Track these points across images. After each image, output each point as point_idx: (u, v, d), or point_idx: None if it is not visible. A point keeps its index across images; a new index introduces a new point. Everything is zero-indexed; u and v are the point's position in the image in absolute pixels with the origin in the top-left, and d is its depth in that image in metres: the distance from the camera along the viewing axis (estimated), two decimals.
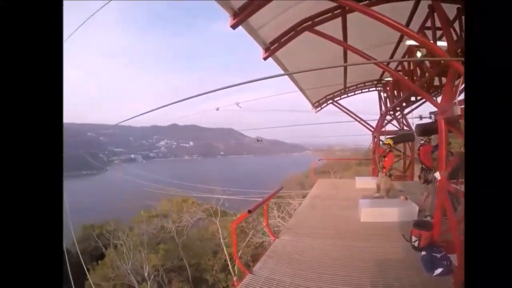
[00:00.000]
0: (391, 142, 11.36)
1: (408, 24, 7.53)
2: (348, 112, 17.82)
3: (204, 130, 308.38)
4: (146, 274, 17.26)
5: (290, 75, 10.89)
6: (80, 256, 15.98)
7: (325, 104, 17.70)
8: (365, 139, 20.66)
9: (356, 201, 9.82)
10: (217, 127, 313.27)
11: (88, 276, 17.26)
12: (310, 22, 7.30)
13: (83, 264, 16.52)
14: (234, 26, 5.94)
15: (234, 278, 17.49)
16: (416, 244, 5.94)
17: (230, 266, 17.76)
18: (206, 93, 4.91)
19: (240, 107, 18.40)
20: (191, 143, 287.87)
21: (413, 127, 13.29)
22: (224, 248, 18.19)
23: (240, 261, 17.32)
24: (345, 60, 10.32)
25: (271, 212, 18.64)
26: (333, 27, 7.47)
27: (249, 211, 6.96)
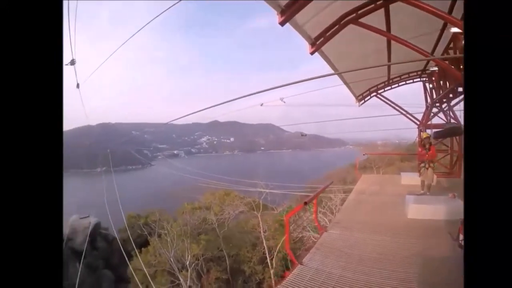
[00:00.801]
0: (428, 135, 10.97)
1: (450, 11, 7.22)
2: (393, 105, 17.21)
3: (245, 126, 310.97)
4: (187, 262, 17.90)
5: (334, 68, 10.69)
6: (120, 244, 16.69)
7: (369, 97, 17.25)
8: (409, 133, 19.81)
9: (402, 197, 9.67)
10: (257, 122, 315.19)
11: (129, 263, 18.14)
12: (354, 15, 7.22)
13: (122, 250, 17.28)
14: (282, 23, 6.04)
15: (272, 271, 17.69)
16: (463, 243, 5.77)
17: (268, 259, 17.94)
18: (260, 91, 4.98)
19: (285, 102, 18.44)
20: (231, 139, 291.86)
21: (461, 120, 12.61)
22: (264, 241, 18.37)
23: (278, 255, 17.64)
24: (389, 50, 10.08)
25: (312, 207, 18.43)
26: (376, 18, 7.34)
27: (305, 203, 7.18)
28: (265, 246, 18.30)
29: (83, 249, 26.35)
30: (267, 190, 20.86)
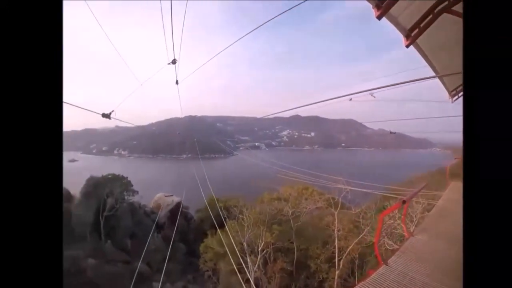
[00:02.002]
0: None
1: None
2: None
3: (326, 121, 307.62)
4: (259, 249, 18.03)
5: (428, 60, 9.80)
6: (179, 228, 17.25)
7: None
8: None
9: None
10: (339, 118, 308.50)
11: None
12: (446, 3, 6.42)
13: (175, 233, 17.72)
14: (379, 17, 5.77)
15: (337, 273, 16.86)
16: None
17: (336, 259, 17.20)
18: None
19: (375, 97, 16.99)
20: (312, 133, 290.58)
21: None
22: (336, 240, 17.69)
23: (347, 257, 16.74)
24: None
25: (391, 213, 17.41)
26: None
27: (403, 202, 7.01)
28: (336, 245, 17.61)
29: (164, 222, 28.48)
30: (348, 187, 19.83)
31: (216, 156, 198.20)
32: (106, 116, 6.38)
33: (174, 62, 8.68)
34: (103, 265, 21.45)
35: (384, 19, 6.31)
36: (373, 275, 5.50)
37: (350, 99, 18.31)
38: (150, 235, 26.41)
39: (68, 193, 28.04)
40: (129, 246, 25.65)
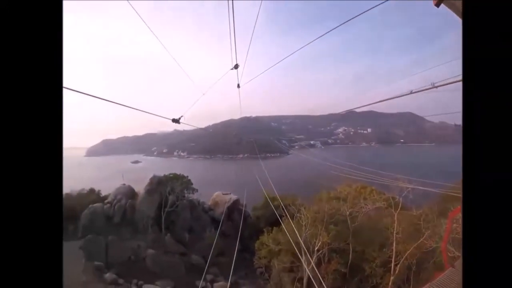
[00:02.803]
0: None
1: None
2: None
3: (382, 116, 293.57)
4: (316, 248, 17.57)
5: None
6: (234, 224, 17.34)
7: None
8: None
9: None
10: (396, 111, 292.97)
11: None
12: None
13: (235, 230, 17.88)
14: (437, 4, 5.31)
15: (391, 278, 15.81)
16: None
17: (392, 263, 15.98)
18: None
19: (437, 88, 15.72)
20: (368, 129, 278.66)
21: None
22: (394, 244, 16.50)
23: (404, 262, 15.58)
24: None
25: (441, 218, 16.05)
26: None
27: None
28: (394, 249, 16.43)
29: (221, 219, 29.27)
30: (409, 186, 18.46)
31: (272, 155, 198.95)
32: (176, 121, 6.64)
33: (236, 67, 9.00)
34: (161, 256, 22.60)
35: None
36: (440, 277, 5.48)
37: (411, 92, 17.24)
38: (207, 230, 27.84)
39: (133, 190, 30.35)
40: (186, 239, 26.72)
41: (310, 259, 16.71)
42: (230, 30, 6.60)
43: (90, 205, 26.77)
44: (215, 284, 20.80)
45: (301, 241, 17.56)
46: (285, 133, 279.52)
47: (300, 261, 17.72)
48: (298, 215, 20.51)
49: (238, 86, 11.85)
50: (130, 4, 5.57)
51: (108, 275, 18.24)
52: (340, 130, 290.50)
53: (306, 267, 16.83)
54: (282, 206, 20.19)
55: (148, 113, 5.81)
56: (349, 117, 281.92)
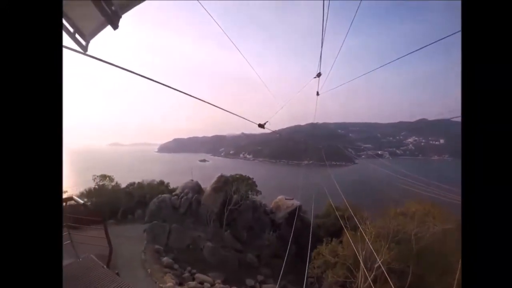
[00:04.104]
0: None
1: None
2: None
3: (457, 124, 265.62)
4: (375, 265, 16.40)
5: None
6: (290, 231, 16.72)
7: None
8: None
9: None
10: None
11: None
12: None
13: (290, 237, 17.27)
14: None
15: None
16: None
17: None
18: None
19: None
20: (441, 140, 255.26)
21: None
22: (458, 273, 14.49)
23: None
24: None
25: None
26: None
27: None
28: (456, 278, 14.42)
29: (280, 222, 29.13)
30: None
31: (338, 163, 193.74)
32: (261, 126, 6.86)
33: (319, 75, 9.12)
34: (218, 249, 23.03)
35: None
36: None
37: None
38: (266, 232, 27.82)
39: (199, 186, 31.92)
40: (244, 237, 26.95)
41: (368, 276, 15.64)
42: (322, 38, 6.51)
43: (159, 195, 28.56)
44: (264, 286, 20.60)
45: (360, 256, 16.55)
46: (352, 141, 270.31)
47: (355, 277, 16.74)
48: (361, 227, 19.40)
49: (318, 93, 11.94)
50: (219, 26, 5.99)
51: (165, 259, 19.00)
52: (410, 140, 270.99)
53: (360, 284, 15.82)
54: (345, 217, 19.28)
55: (239, 116, 5.99)
56: (421, 125, 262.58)
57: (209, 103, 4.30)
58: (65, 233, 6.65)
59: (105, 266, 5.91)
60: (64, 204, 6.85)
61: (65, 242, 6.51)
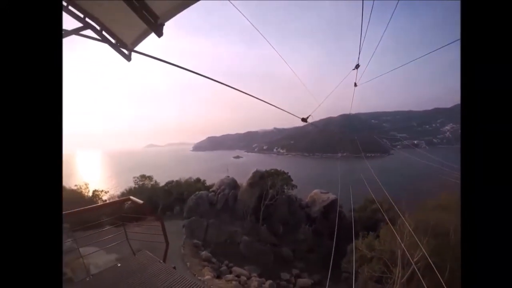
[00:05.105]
0: None
1: None
2: None
3: None
4: (413, 260, 15.88)
5: None
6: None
7: None
8: None
9: None
10: None
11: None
12: None
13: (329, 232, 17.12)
14: None
15: None
16: None
17: None
18: None
19: None
20: None
21: None
22: None
23: None
24: None
25: None
26: None
27: None
28: None
29: (316, 216, 29.00)
30: None
31: (372, 155, 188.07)
32: (304, 120, 6.96)
33: (357, 67, 9.18)
34: (254, 243, 23.40)
35: None
36: None
37: None
38: (301, 226, 27.79)
39: (235, 182, 32.20)
40: (280, 232, 27.06)
41: (403, 271, 15.23)
42: (361, 30, 6.51)
43: (197, 192, 29.35)
44: (299, 280, 20.54)
45: (398, 251, 16.14)
46: (386, 131, 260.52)
47: (391, 272, 16.32)
48: (399, 221, 18.91)
49: (355, 85, 11.91)
50: (261, 35, 5.98)
51: (204, 253, 19.53)
52: (448, 127, 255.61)
53: (397, 280, 15.40)
54: (383, 210, 18.88)
55: (283, 110, 6.14)
56: (458, 111, 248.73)
57: (253, 96, 4.38)
58: (120, 232, 6.96)
59: (161, 261, 6.10)
60: (122, 204, 7.21)
61: (122, 240, 6.79)
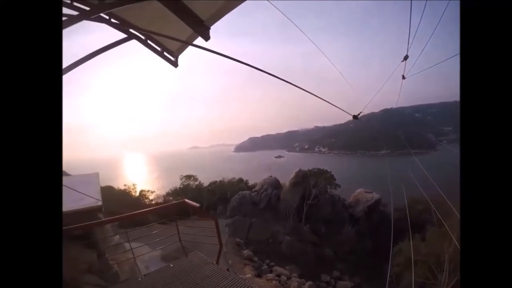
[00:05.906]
0: None
1: None
2: None
3: None
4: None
5: None
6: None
7: None
8: None
9: None
10: None
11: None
12: None
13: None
14: None
15: None
16: None
17: None
18: None
19: None
20: None
21: None
22: None
23: None
24: None
25: None
26: None
27: None
28: None
29: (359, 216, 28.23)
30: None
31: (417, 151, 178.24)
32: (355, 117, 6.94)
33: (406, 58, 8.97)
34: (296, 243, 23.34)
35: None
36: None
37: None
38: (344, 226, 27.09)
39: (278, 182, 32.24)
40: (322, 232, 26.71)
41: (449, 278, 14.27)
42: (410, 22, 6.27)
43: (240, 191, 29.92)
44: (339, 282, 20.18)
45: (445, 255, 15.15)
46: (431, 125, 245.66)
47: (435, 278, 15.38)
48: (447, 224, 17.80)
49: (403, 77, 11.50)
50: (304, 33, 5.97)
51: (246, 252, 20.01)
52: None
53: (442, 285, 14.45)
54: (428, 211, 17.97)
55: (334, 105, 6.11)
56: None
57: (307, 91, 4.35)
58: (173, 233, 7.05)
59: (214, 263, 6.01)
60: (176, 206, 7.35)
61: (174, 241, 6.90)
